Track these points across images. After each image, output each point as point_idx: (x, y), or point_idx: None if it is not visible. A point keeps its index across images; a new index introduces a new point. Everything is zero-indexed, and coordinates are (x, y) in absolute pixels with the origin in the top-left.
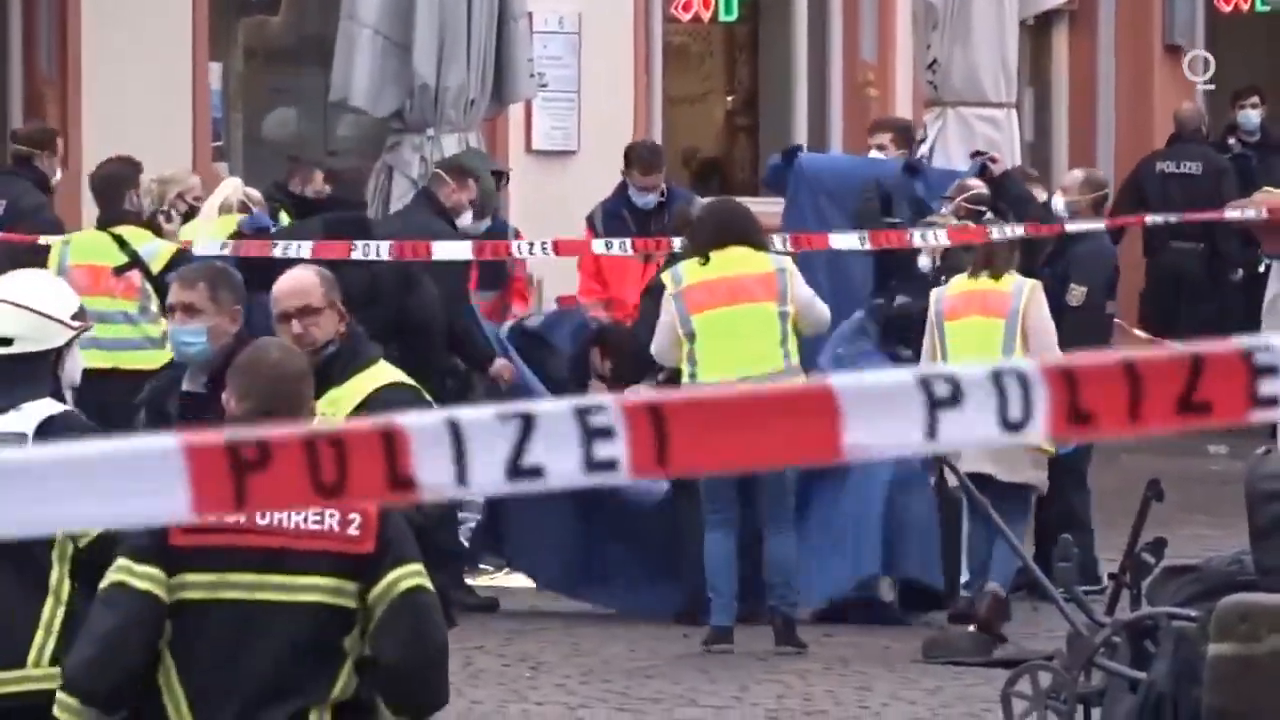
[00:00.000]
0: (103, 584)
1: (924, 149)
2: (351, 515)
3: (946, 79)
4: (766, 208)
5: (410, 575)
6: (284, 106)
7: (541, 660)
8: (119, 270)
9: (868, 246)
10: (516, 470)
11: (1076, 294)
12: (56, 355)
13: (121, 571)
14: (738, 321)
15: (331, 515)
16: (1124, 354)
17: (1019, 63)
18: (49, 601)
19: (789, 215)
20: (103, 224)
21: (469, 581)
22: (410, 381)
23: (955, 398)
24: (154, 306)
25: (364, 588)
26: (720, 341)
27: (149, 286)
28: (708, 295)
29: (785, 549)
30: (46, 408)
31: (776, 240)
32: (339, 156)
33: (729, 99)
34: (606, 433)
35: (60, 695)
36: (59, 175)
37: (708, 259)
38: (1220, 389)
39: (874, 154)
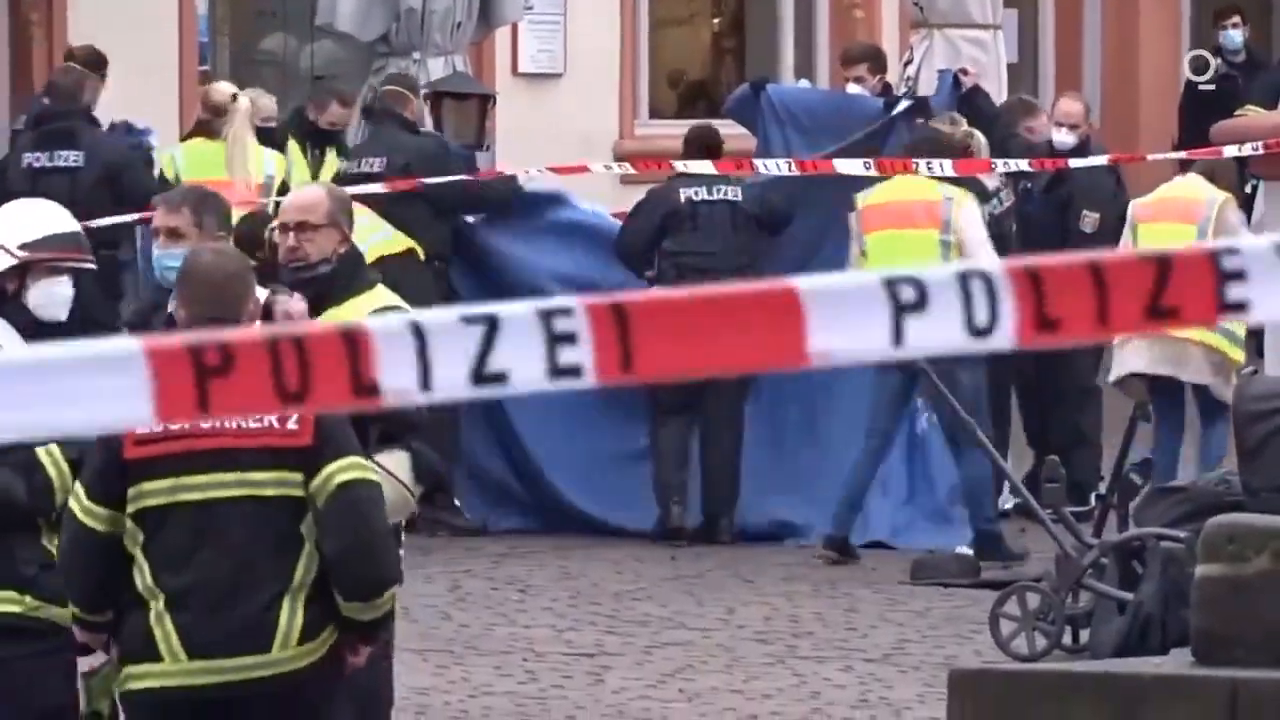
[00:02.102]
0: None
1: (910, 71)
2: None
3: (932, 1)
4: (732, 129)
5: (346, 469)
6: (269, 31)
7: (530, 584)
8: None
9: (874, 173)
10: (480, 376)
11: (1090, 220)
12: (15, 285)
13: (74, 497)
14: (900, 245)
15: None
16: (1090, 257)
17: None
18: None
19: (759, 153)
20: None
21: (457, 503)
22: (407, 307)
23: (920, 302)
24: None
25: (306, 479)
26: (883, 263)
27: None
28: (880, 216)
29: (971, 469)
30: None
31: (775, 165)
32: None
33: (715, 21)
34: (570, 338)
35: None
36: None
37: (994, 167)
38: (1188, 293)
39: (852, 87)
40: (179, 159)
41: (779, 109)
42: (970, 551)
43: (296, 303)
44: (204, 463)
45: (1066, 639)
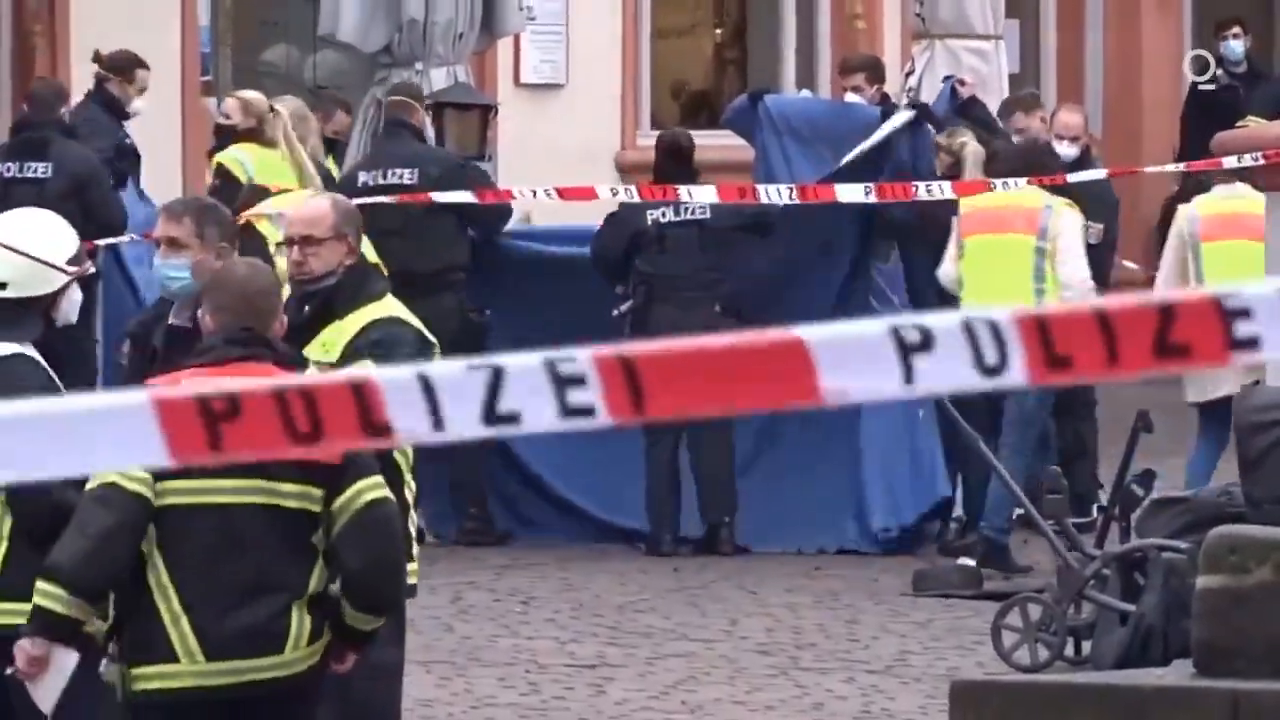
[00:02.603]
0: (93, 484)
1: (912, 81)
2: None
3: (934, 11)
4: (730, 140)
5: (371, 488)
6: (273, 41)
7: (532, 595)
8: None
9: (873, 199)
10: (493, 416)
11: (1095, 231)
12: (51, 298)
13: (118, 476)
14: (996, 250)
15: None
16: (1094, 304)
17: None
18: None
19: (758, 165)
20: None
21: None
22: (411, 319)
23: (926, 344)
24: None
25: (329, 495)
26: (980, 267)
27: None
28: (979, 221)
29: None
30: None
31: (777, 191)
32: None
33: (717, 31)
34: (579, 381)
35: (43, 584)
36: (135, 104)
37: (994, 187)
38: (1196, 333)
39: (850, 96)
40: (248, 164)
41: (777, 119)
42: (973, 563)
43: None
44: (234, 468)
45: (1069, 650)
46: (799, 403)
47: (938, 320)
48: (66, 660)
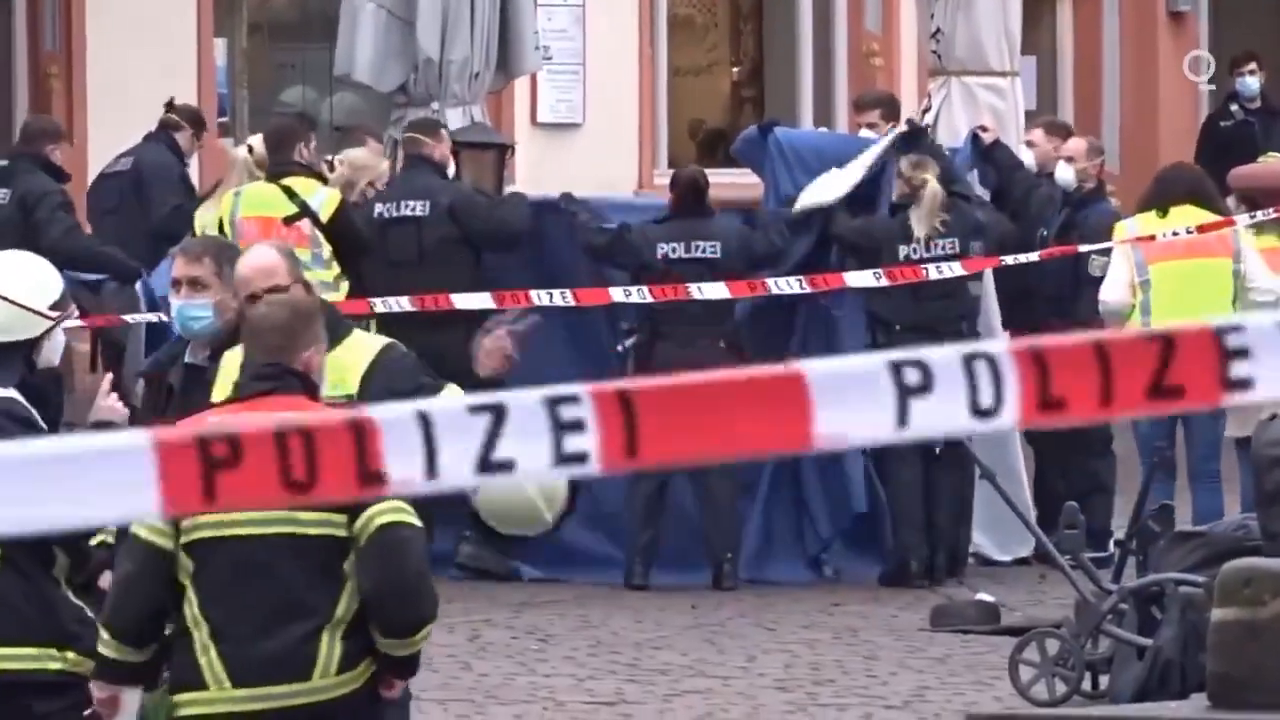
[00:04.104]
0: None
1: (929, 118)
2: None
3: (950, 48)
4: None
5: (386, 511)
6: (289, 83)
7: (550, 633)
8: (289, 220)
9: (884, 283)
10: (486, 464)
11: (1098, 264)
12: (33, 343)
13: (138, 525)
14: (1192, 275)
15: None
16: (1093, 336)
17: (1023, 31)
18: None
19: (766, 197)
20: (272, 176)
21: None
22: (399, 344)
23: (925, 385)
24: (325, 254)
25: (349, 520)
26: (1174, 293)
27: (319, 234)
28: (1166, 247)
29: (1207, 501)
30: None
31: (786, 283)
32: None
33: (734, 70)
34: (577, 426)
35: (101, 632)
36: (194, 155)
37: (1166, 212)
38: (1191, 372)
39: (865, 133)
40: (238, 202)
41: (787, 151)
42: (991, 598)
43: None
44: None
45: (1086, 684)
46: (791, 447)
47: (936, 357)
48: (131, 697)
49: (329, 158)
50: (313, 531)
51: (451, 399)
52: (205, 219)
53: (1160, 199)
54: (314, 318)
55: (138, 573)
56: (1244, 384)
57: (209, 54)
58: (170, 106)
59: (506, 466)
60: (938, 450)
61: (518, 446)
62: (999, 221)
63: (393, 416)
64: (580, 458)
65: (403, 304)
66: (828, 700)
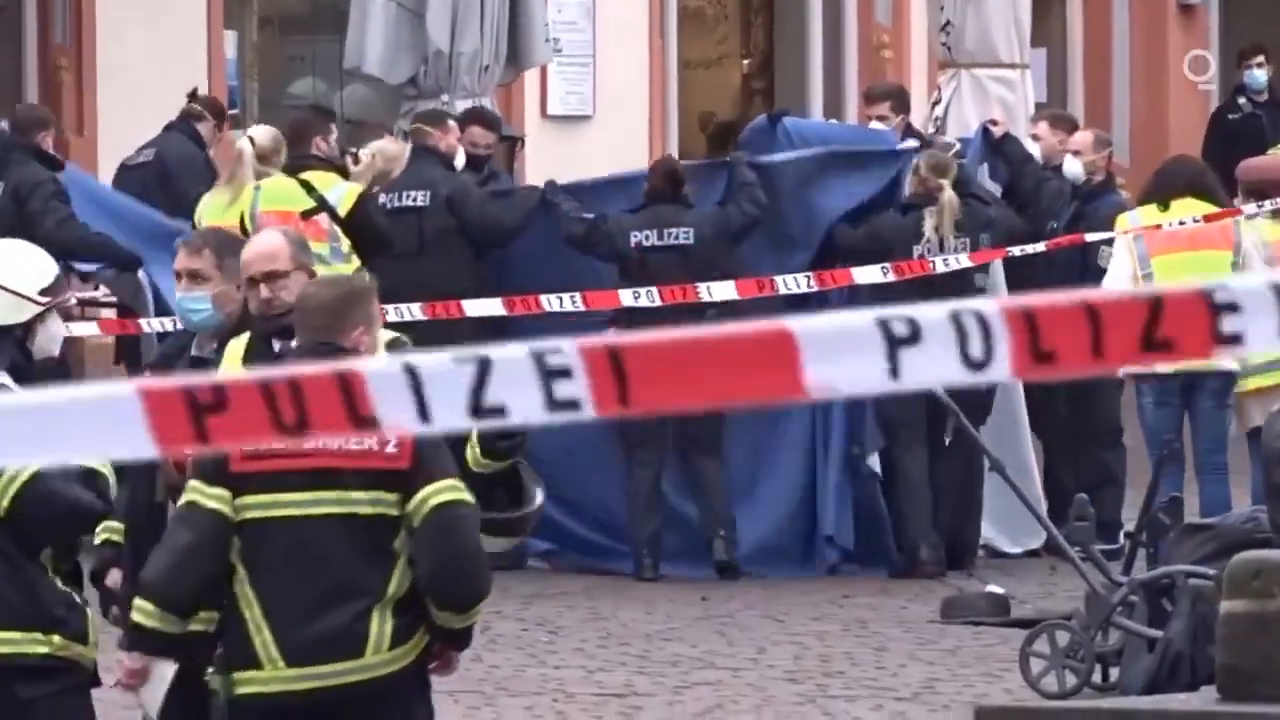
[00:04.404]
0: (179, 503)
1: (939, 111)
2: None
3: (960, 40)
4: None
5: (440, 491)
6: (299, 75)
7: (560, 624)
8: (306, 214)
9: (891, 278)
10: (479, 409)
11: (1107, 254)
12: (25, 329)
13: (193, 492)
14: (1195, 267)
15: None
16: (1082, 294)
17: (1033, 23)
18: None
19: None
20: (290, 170)
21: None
22: (404, 338)
23: (914, 337)
24: (344, 248)
25: (402, 499)
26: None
27: (337, 229)
28: (1168, 239)
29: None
30: None
31: (795, 280)
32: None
33: (744, 62)
34: (565, 373)
35: (136, 600)
36: (214, 146)
37: (1167, 205)
38: (1182, 327)
39: (875, 125)
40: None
41: (795, 140)
42: (1001, 590)
43: None
44: (306, 480)
45: (1096, 677)
46: (783, 396)
47: (924, 313)
48: (166, 670)
49: (353, 150)
50: (364, 510)
51: (434, 354)
52: (206, 208)
53: (1161, 192)
54: (363, 297)
55: (198, 542)
56: (1236, 338)
57: (219, 46)
58: (193, 96)
59: (499, 412)
60: (946, 440)
61: (507, 393)
62: (1007, 217)
63: (378, 370)
64: (573, 404)
65: (414, 311)
66: (837, 692)
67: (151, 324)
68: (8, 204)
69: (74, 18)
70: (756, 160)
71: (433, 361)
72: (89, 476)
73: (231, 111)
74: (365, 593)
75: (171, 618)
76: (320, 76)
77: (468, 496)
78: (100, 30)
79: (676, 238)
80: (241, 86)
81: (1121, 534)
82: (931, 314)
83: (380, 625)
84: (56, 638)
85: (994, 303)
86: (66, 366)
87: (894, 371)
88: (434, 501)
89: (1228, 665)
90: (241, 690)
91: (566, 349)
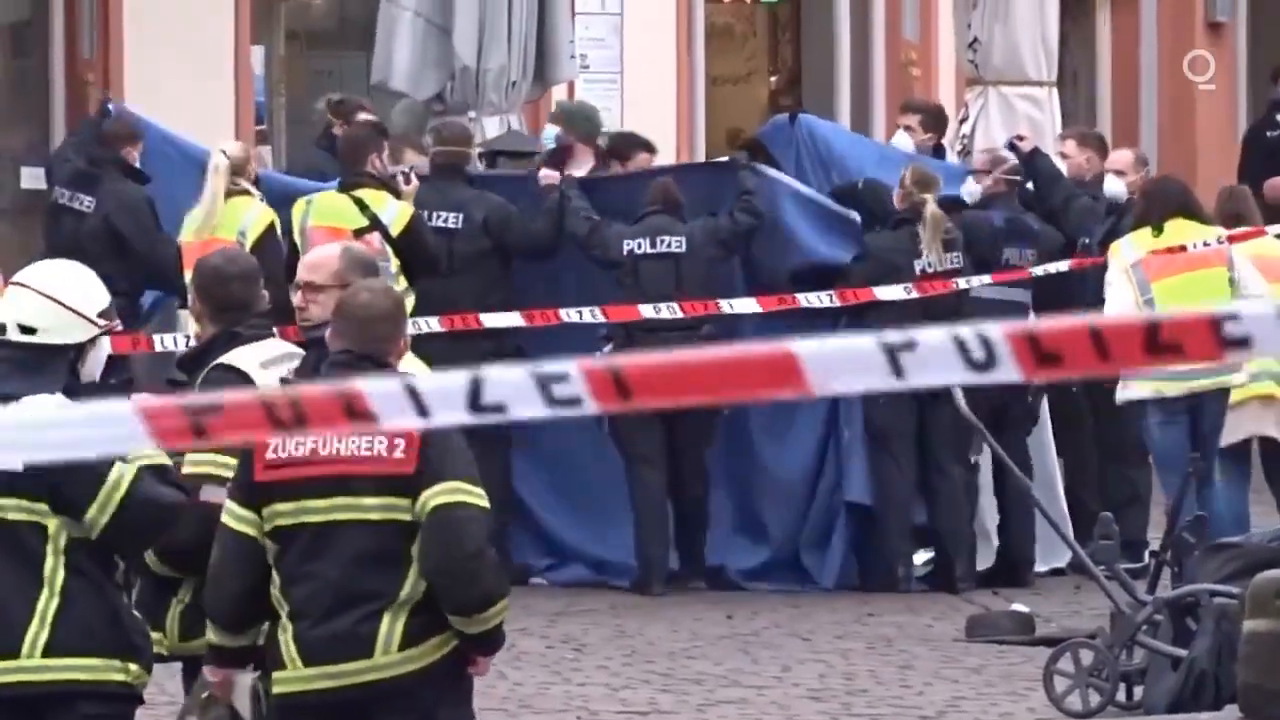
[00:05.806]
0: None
1: (966, 128)
2: (397, 440)
3: (987, 58)
4: None
5: (441, 493)
6: (326, 90)
7: (584, 642)
8: (359, 233)
9: (914, 295)
10: (478, 407)
11: None
12: (78, 350)
13: (227, 514)
14: (1196, 287)
15: (380, 441)
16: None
17: (1061, 40)
18: (43, 593)
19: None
20: (344, 186)
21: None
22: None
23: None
24: (393, 268)
25: (410, 503)
26: (1179, 306)
27: (389, 248)
28: (1166, 263)
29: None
30: None
31: (817, 297)
32: None
33: (772, 79)
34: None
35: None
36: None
37: (1161, 229)
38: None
39: (900, 134)
40: (309, 210)
41: (815, 139)
42: (1026, 609)
43: None
44: (323, 488)
45: (1120, 696)
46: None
47: (926, 336)
48: (244, 679)
49: (404, 169)
50: (375, 516)
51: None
52: (186, 224)
53: (1154, 214)
54: (405, 307)
55: (222, 559)
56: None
57: (246, 61)
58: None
59: (499, 409)
60: (972, 459)
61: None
62: (1048, 232)
63: (380, 389)
64: (574, 401)
65: (431, 324)
66: (861, 710)
67: (165, 341)
68: (99, 224)
69: (101, 34)
70: (760, 169)
71: (433, 381)
72: (161, 471)
73: (259, 127)
74: (376, 596)
75: (224, 633)
76: (347, 91)
77: (474, 499)
78: (127, 45)
79: (669, 245)
80: (269, 101)
81: (1147, 553)
82: (933, 338)
83: (390, 626)
84: (133, 666)
85: (998, 329)
86: (132, 384)
87: (898, 372)
88: (433, 503)
89: (1250, 684)
90: (275, 690)
91: (572, 374)
